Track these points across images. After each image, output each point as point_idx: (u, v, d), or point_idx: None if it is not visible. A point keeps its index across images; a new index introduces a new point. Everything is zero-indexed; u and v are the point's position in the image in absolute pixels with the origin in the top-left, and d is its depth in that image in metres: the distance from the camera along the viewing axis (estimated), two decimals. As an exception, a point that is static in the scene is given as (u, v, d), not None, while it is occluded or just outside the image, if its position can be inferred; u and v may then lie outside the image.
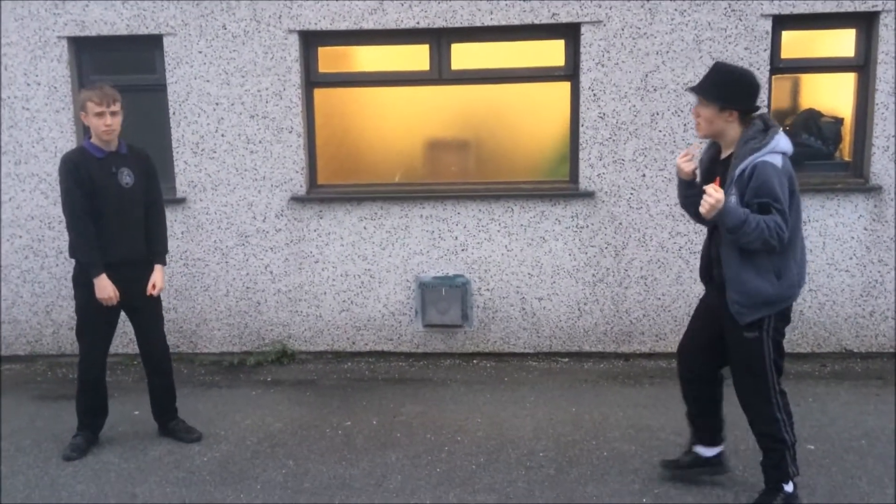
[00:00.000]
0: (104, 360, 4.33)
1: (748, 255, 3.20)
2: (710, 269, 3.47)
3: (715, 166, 3.36)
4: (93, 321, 4.22)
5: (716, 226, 3.30)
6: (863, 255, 5.51)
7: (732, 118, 3.23)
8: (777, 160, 3.17)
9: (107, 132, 4.06)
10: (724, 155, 3.35)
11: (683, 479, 3.77)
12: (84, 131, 5.79)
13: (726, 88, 3.22)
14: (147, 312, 4.35)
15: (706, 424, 3.69)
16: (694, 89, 3.32)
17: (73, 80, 5.73)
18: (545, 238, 5.67)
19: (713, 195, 3.08)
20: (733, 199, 3.14)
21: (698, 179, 3.51)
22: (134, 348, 5.76)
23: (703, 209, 3.13)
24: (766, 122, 3.28)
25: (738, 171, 3.16)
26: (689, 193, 3.50)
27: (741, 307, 3.25)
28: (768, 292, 3.22)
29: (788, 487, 3.43)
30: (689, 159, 3.43)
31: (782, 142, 3.21)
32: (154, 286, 4.28)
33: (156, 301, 4.39)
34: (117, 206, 4.12)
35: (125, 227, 4.16)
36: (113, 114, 4.05)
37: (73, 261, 4.24)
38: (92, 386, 4.31)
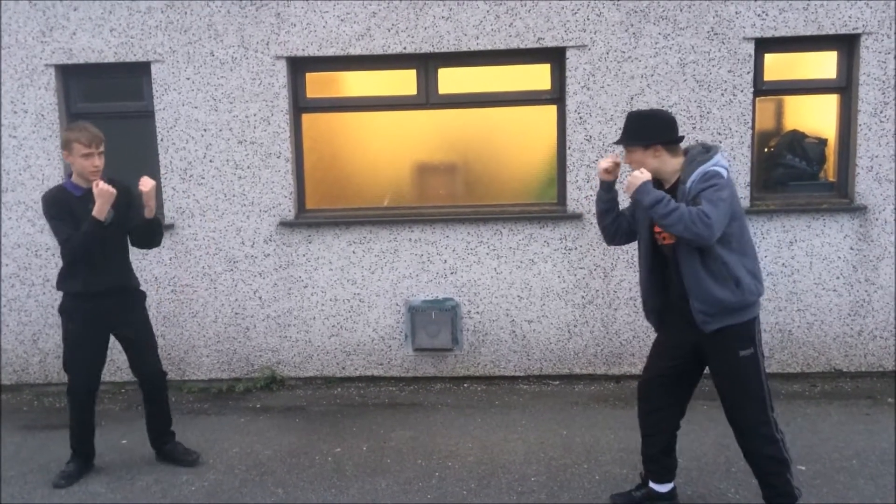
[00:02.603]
0: (93, 387, 4.29)
1: (707, 264, 3.27)
2: (657, 296, 3.54)
3: None
4: (80, 350, 4.20)
5: (666, 248, 3.41)
6: (850, 275, 5.54)
7: (660, 152, 3.36)
8: (723, 171, 3.29)
9: (94, 173, 4.09)
10: (667, 186, 3.43)
11: None
12: (64, 168, 5.79)
13: (643, 129, 3.38)
14: (137, 340, 4.33)
15: (662, 461, 3.68)
16: (617, 142, 3.49)
17: (61, 108, 5.73)
18: (534, 260, 5.68)
19: (636, 174, 3.26)
20: None
21: (634, 214, 3.63)
22: (121, 376, 5.75)
23: (625, 187, 3.31)
24: (705, 145, 3.41)
25: (688, 185, 3.27)
26: (608, 198, 3.62)
27: (705, 315, 3.29)
28: (730, 300, 3.27)
29: None
30: (611, 167, 3.54)
31: (723, 160, 3.34)
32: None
33: (146, 327, 4.38)
34: (99, 241, 4.09)
35: (107, 259, 4.17)
36: (100, 154, 4.10)
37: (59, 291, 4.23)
38: (81, 415, 4.27)
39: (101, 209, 3.96)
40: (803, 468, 4.11)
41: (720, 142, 5.45)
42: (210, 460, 4.51)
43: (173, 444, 4.50)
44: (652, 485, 3.72)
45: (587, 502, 3.86)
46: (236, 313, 5.85)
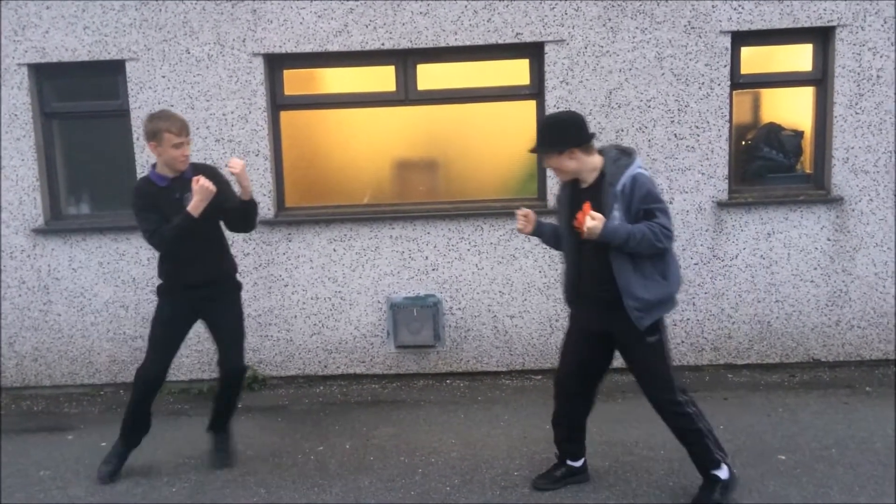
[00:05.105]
0: (161, 373, 4.23)
1: (636, 263, 3.43)
2: (578, 287, 3.69)
3: (579, 196, 3.54)
4: (163, 329, 4.18)
5: (585, 243, 3.49)
6: (827, 266, 5.59)
7: (575, 155, 3.49)
8: (648, 174, 3.48)
9: (184, 162, 4.02)
10: (585, 185, 3.56)
11: (557, 488, 3.94)
12: (38, 167, 5.71)
13: (554, 135, 3.51)
14: (225, 331, 4.26)
15: (576, 442, 3.96)
16: (533, 150, 3.64)
17: (35, 108, 5.64)
18: (515, 256, 5.68)
19: (589, 222, 3.32)
20: (617, 213, 3.40)
21: (557, 216, 3.78)
22: (100, 378, 5.71)
23: (586, 233, 3.36)
24: (620, 147, 3.58)
25: (619, 188, 3.41)
26: (545, 239, 3.87)
27: (640, 312, 3.44)
28: (661, 293, 3.47)
29: (722, 473, 3.63)
30: (522, 225, 3.78)
31: (641, 162, 3.55)
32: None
33: (236, 319, 4.30)
34: (191, 233, 4.01)
35: (197, 249, 4.07)
36: (188, 143, 4.03)
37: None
38: (141, 402, 4.23)
39: (197, 206, 3.87)
40: (783, 458, 4.16)
41: (698, 135, 5.49)
42: (191, 461, 4.47)
43: (224, 434, 4.47)
44: (569, 462, 3.98)
45: (569, 495, 3.87)
46: (216, 313, 5.80)
